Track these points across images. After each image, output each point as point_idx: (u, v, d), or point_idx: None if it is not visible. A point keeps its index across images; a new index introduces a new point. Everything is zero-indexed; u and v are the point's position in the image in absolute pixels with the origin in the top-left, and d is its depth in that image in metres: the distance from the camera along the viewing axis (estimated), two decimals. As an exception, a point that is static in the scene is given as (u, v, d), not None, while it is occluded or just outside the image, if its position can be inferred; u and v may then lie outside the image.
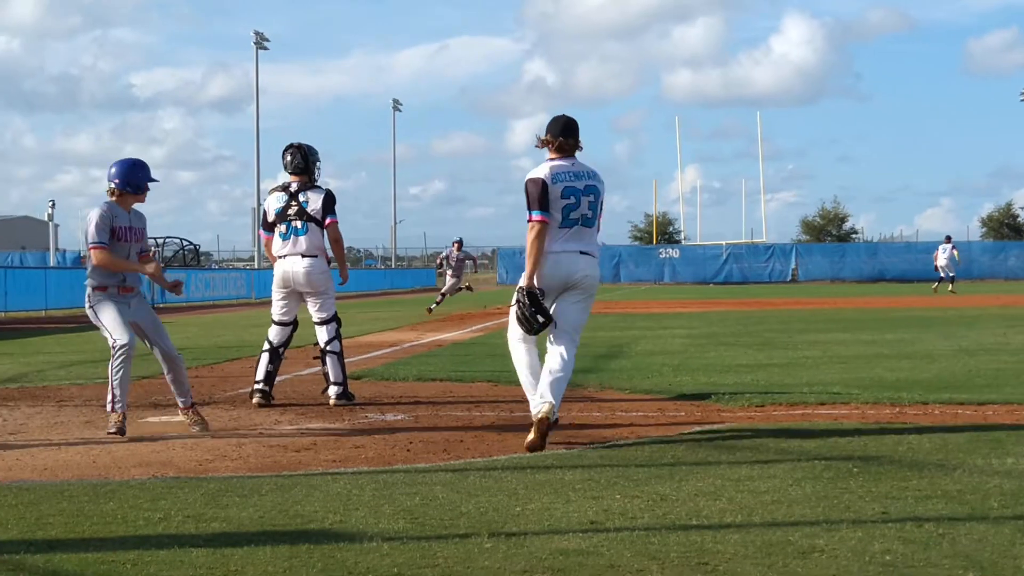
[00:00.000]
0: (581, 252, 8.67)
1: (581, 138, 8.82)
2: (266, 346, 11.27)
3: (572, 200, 8.60)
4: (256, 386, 11.05)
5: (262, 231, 11.50)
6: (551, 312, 8.67)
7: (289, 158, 11.25)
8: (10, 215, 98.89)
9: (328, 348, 11.20)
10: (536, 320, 8.55)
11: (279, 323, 11.31)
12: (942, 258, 47.96)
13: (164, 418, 10.16)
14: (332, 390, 11.08)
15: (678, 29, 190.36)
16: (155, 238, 57.27)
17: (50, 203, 49.50)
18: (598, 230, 8.89)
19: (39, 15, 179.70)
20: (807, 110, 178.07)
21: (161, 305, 40.79)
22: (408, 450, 8.33)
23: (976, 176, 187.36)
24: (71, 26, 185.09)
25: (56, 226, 52.35)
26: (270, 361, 11.15)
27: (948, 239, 49.11)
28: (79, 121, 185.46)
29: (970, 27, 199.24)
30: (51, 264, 49.26)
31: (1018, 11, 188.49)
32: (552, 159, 8.75)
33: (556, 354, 8.67)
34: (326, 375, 11.18)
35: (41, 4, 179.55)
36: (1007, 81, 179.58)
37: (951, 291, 46.41)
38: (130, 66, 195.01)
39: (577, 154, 8.83)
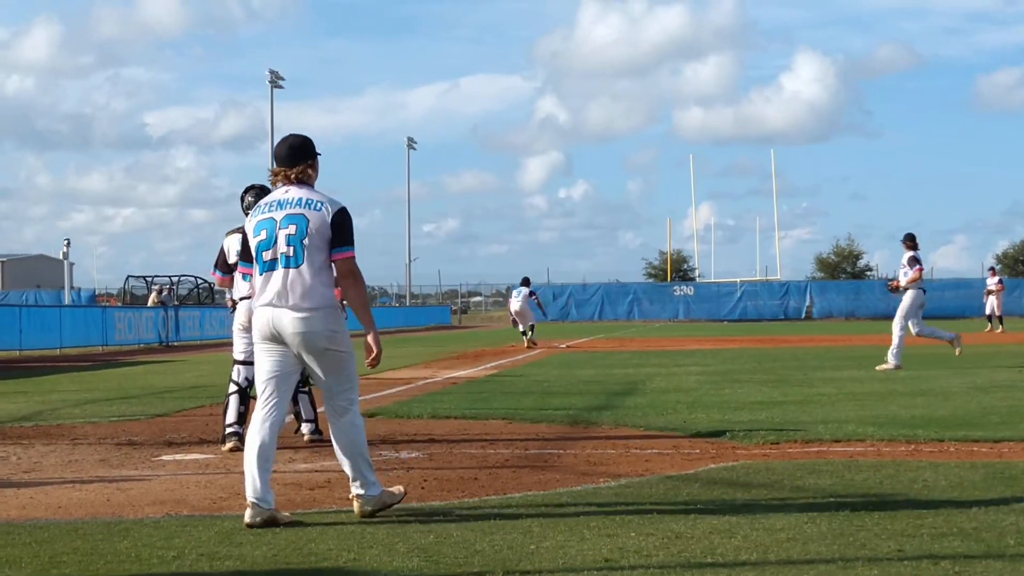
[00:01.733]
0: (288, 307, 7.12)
1: (311, 160, 7.42)
2: (232, 388, 10.90)
3: (264, 236, 7.24)
4: (229, 430, 10.68)
5: (217, 273, 11.23)
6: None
7: (252, 199, 10.89)
8: (25, 254, 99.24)
9: (302, 389, 11.14)
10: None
11: (244, 362, 10.85)
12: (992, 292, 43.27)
13: (178, 456, 10.16)
14: (305, 427, 11.22)
15: (689, 67, 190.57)
16: (169, 276, 57.39)
17: (65, 242, 49.71)
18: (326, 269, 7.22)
19: (52, 54, 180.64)
20: (819, 147, 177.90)
21: (175, 343, 40.84)
22: (422, 488, 8.32)
23: (989, 213, 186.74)
24: (84, 65, 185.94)
25: (71, 265, 52.56)
26: (241, 402, 10.77)
27: (993, 271, 45.65)
28: (92, 160, 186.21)
29: (979, 64, 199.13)
30: (66, 302, 49.39)
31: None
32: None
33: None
34: (297, 414, 11.22)
35: (54, 43, 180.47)
36: (1017, 118, 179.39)
37: (997, 330, 42.31)
38: (144, 105, 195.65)
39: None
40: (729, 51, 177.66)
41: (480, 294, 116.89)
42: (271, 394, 7.22)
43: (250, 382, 10.82)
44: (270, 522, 6.83)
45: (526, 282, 36.01)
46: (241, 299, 10.88)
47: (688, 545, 6.11)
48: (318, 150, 7.45)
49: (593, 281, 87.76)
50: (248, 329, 10.91)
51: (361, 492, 7.14)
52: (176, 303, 48.77)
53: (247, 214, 10.77)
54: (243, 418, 10.72)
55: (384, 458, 9.82)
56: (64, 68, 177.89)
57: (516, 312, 35.27)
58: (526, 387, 17.48)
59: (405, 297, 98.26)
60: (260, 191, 10.85)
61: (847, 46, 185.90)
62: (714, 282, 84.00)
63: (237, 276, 10.82)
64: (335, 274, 7.24)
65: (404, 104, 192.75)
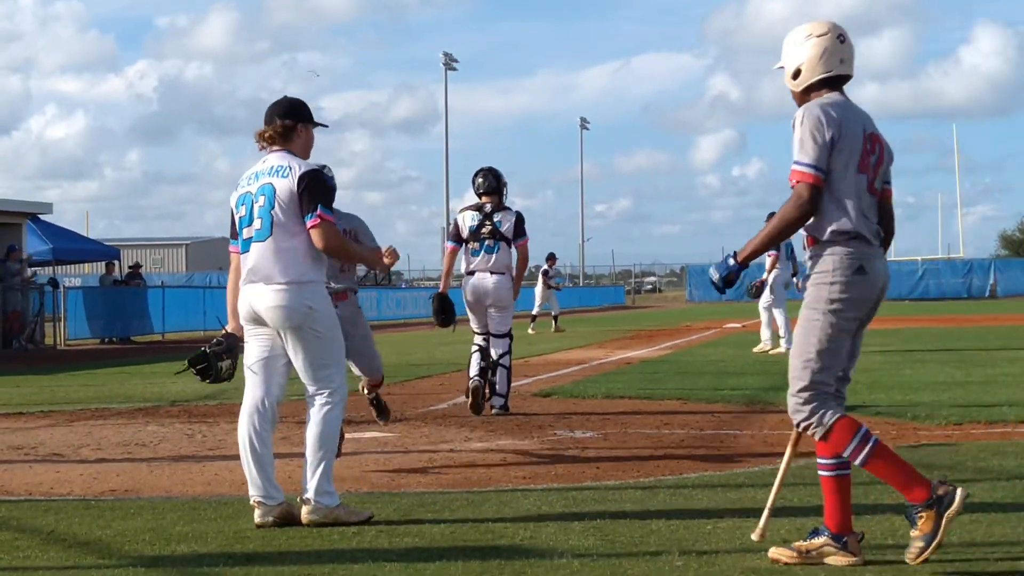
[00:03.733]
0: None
1: (290, 120, 6.71)
2: (474, 348, 11.83)
3: (243, 211, 6.65)
4: (471, 382, 11.61)
5: (449, 243, 12.03)
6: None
7: (481, 180, 11.75)
8: (208, 236, 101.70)
9: (499, 361, 11.69)
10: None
11: (481, 333, 11.89)
12: None
13: (357, 435, 10.32)
14: (496, 400, 11.62)
15: (864, 42, 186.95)
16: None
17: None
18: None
19: (229, 41, 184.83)
20: (1001, 122, 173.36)
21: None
22: (598, 467, 8.33)
23: None
24: (260, 51, 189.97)
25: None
26: (482, 359, 11.67)
27: None
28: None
29: None
30: (248, 284, 50.44)
31: None
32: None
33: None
34: (493, 385, 11.67)
35: (230, 31, 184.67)
36: None
37: None
38: (319, 90, 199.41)
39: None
40: (905, 24, 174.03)
41: (654, 274, 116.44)
42: (256, 381, 6.64)
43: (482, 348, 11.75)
44: (285, 519, 6.38)
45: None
46: (467, 273, 11.76)
47: (868, 526, 6.01)
48: (319, 120, 6.88)
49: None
50: (472, 305, 11.74)
51: (311, 496, 6.40)
52: (355, 288, 49.54)
53: (479, 196, 11.56)
54: (483, 372, 11.60)
55: (559, 437, 9.85)
56: (241, 55, 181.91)
57: None
58: (701, 367, 17.38)
59: (579, 277, 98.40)
60: (488, 173, 11.79)
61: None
62: (894, 260, 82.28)
63: (463, 250, 11.77)
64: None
65: (576, 85, 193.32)
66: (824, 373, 5.41)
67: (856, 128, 5.36)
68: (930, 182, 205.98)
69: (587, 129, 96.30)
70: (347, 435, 10.29)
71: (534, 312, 34.57)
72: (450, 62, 71.11)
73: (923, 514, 5.07)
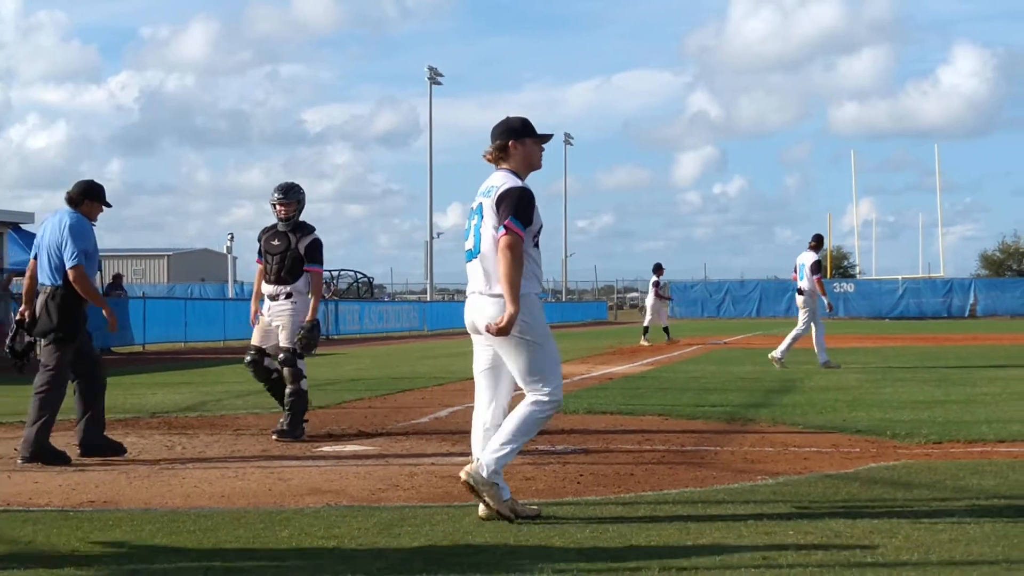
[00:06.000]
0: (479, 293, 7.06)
1: (501, 140, 7.19)
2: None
3: (467, 225, 7.22)
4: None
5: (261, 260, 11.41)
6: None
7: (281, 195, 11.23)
8: (190, 248, 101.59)
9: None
10: None
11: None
12: None
13: (338, 447, 10.32)
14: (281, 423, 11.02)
15: (844, 61, 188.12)
16: (330, 270, 58.27)
17: (229, 236, 51.03)
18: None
19: (210, 52, 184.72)
20: (980, 142, 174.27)
21: (336, 336, 41.46)
22: (579, 482, 8.33)
23: None
24: (241, 62, 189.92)
25: (235, 258, 53.72)
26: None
27: None
28: (249, 156, 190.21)
29: None
30: (230, 295, 50.48)
31: None
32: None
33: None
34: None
35: (212, 42, 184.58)
36: None
37: None
38: (302, 102, 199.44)
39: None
40: (884, 45, 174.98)
41: (636, 290, 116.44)
42: (482, 388, 7.34)
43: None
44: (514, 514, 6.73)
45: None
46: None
47: (848, 544, 6.04)
48: (537, 132, 7.24)
49: (751, 277, 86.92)
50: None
51: (483, 462, 6.84)
52: (336, 297, 49.53)
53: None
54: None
55: (540, 452, 9.85)
56: (222, 66, 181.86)
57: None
58: (682, 383, 17.40)
59: (561, 293, 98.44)
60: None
61: (1008, 38, 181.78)
62: (875, 279, 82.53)
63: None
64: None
65: (560, 101, 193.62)
66: None
67: None
68: (908, 201, 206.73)
69: (571, 145, 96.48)
70: (328, 448, 10.30)
71: (646, 323, 34.51)
72: (435, 76, 71.16)
73: None
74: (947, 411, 12.74)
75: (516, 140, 7.13)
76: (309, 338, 11.02)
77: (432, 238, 73.26)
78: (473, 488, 6.73)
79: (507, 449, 6.83)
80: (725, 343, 35.04)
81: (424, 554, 5.90)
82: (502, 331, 6.72)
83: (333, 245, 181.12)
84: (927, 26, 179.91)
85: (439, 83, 71.79)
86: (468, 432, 11.19)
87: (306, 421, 11.11)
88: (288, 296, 11.06)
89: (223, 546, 6.15)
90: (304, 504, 7.49)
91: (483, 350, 7.19)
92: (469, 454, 9.77)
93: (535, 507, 6.95)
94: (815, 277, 21.04)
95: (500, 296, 6.80)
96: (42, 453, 9.40)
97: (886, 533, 6.30)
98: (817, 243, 21.86)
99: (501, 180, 7.02)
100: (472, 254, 7.04)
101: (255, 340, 11.33)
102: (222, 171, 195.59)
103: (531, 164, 7.22)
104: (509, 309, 6.69)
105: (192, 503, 7.62)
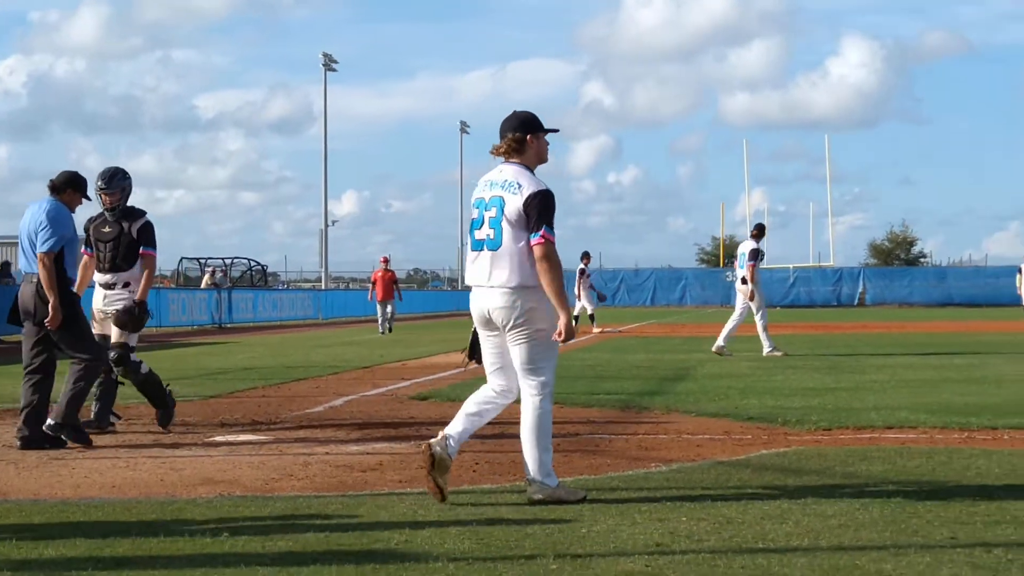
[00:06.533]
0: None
1: (520, 133, 7.32)
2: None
3: (475, 214, 7.30)
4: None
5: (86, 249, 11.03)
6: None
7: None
8: (80, 234, 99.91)
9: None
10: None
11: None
12: None
13: (231, 437, 10.24)
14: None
15: (735, 52, 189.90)
16: (223, 258, 57.72)
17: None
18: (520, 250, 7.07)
19: (101, 37, 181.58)
20: (868, 133, 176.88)
21: (228, 325, 41.10)
22: (474, 471, 8.34)
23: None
24: (132, 47, 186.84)
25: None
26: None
27: None
28: (141, 142, 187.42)
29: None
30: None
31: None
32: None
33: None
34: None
35: (102, 26, 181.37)
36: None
37: None
38: (194, 88, 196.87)
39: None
40: (775, 36, 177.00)
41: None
42: (495, 380, 7.47)
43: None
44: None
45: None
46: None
47: (739, 530, 6.11)
48: (538, 126, 7.35)
49: (645, 266, 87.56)
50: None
51: (536, 477, 7.06)
52: (229, 285, 49.08)
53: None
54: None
55: (435, 441, 9.83)
56: (113, 51, 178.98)
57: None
58: (578, 371, 17.47)
59: (457, 281, 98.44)
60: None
61: (896, 31, 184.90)
62: (766, 268, 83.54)
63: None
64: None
65: (456, 89, 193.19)
66: None
67: None
68: (798, 191, 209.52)
69: (467, 133, 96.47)
70: (221, 437, 10.21)
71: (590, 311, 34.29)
72: (329, 63, 70.72)
73: None
74: (836, 398, 12.94)
75: (532, 134, 7.28)
76: (133, 319, 10.60)
77: (327, 226, 72.89)
78: (544, 500, 6.94)
79: (545, 455, 7.10)
80: (620, 331, 35.28)
81: (319, 543, 5.88)
82: (566, 338, 7.03)
83: (226, 233, 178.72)
84: (817, 18, 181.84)
85: (334, 70, 71.41)
86: (362, 422, 11.19)
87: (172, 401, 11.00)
88: (126, 285, 10.69)
89: (114, 537, 6.07)
90: (197, 494, 7.41)
91: (490, 342, 7.34)
92: (364, 444, 9.77)
93: (584, 491, 7.19)
94: (749, 264, 21.20)
95: (515, 289, 7.02)
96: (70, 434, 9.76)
97: (777, 519, 6.38)
98: (759, 231, 22.05)
99: (520, 177, 7.13)
100: (492, 245, 7.10)
101: (100, 330, 10.74)
102: (112, 157, 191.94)
103: (542, 158, 7.39)
104: (563, 316, 6.99)
105: (83, 494, 7.51)
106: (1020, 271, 38.70)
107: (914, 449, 9.03)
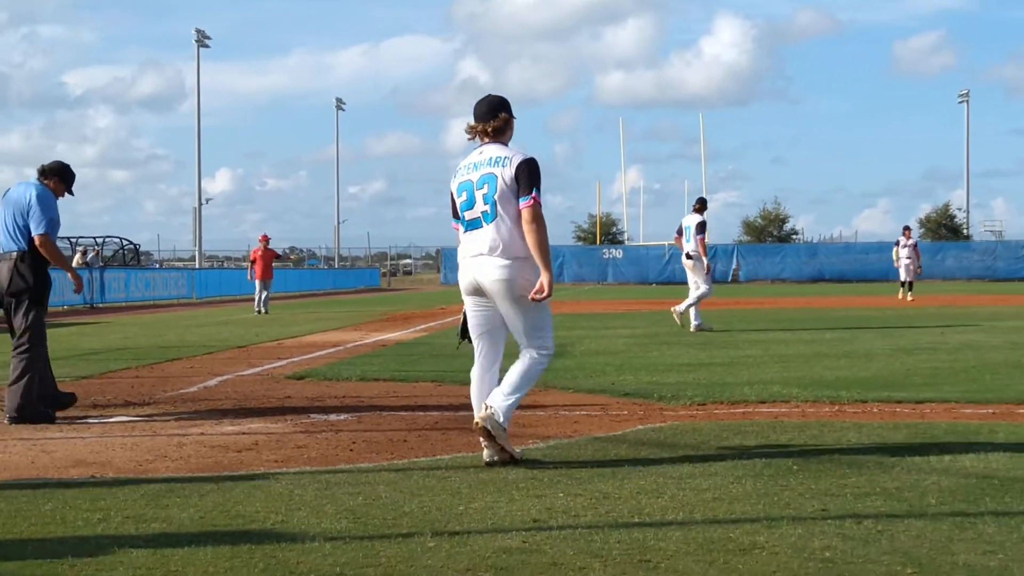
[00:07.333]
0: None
1: (506, 114, 7.76)
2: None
3: (464, 198, 7.63)
4: None
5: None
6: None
7: None
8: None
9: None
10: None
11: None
12: (903, 257, 38.80)
13: (103, 418, 10.08)
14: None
15: (609, 30, 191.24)
16: (94, 237, 56.76)
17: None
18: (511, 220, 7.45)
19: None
20: (739, 112, 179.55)
21: (101, 305, 40.44)
22: (351, 450, 8.30)
23: (909, 178, 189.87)
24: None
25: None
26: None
27: (907, 231, 39.45)
28: (7, 119, 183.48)
29: (898, 30, 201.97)
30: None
31: (944, 15, 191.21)
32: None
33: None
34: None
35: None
36: (932, 82, 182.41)
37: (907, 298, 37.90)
38: (62, 64, 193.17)
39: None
40: (648, 14, 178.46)
41: (410, 256, 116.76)
42: (484, 348, 7.97)
43: None
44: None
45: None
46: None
47: (615, 505, 6.15)
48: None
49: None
50: None
51: (495, 409, 7.43)
52: (101, 265, 48.28)
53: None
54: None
55: (313, 420, 9.79)
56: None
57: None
58: (455, 350, 17.47)
59: (334, 259, 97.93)
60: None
61: (767, 10, 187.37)
62: (642, 245, 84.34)
63: None
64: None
65: (330, 65, 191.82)
66: None
67: None
68: (673, 169, 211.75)
69: (343, 110, 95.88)
70: (94, 419, 10.04)
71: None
72: (202, 39, 69.80)
73: None
74: (711, 373, 13.09)
75: (510, 116, 7.77)
76: None
77: (201, 204, 72.05)
78: (490, 433, 7.34)
79: (514, 398, 7.52)
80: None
81: (194, 525, 5.81)
82: (546, 295, 7.36)
83: (96, 212, 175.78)
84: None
85: (207, 46, 70.50)
86: (237, 402, 11.09)
87: None
88: None
89: (-18, 522, 5.94)
90: (68, 476, 7.29)
91: (480, 312, 7.74)
92: (239, 424, 9.71)
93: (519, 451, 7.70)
94: (698, 237, 21.42)
95: (510, 260, 7.41)
96: (30, 414, 9.95)
97: (652, 494, 6.44)
98: (701, 205, 22.21)
99: (506, 152, 7.56)
100: (489, 218, 7.46)
101: None
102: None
103: (511, 137, 7.85)
104: (546, 274, 7.37)
105: (-51, 478, 7.34)
106: (897, 244, 39.35)
107: (786, 423, 9.17)
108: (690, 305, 21.52)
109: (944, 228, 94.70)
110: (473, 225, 7.57)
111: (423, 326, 24.99)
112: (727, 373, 13.11)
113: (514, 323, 7.61)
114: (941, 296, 42.18)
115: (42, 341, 10.31)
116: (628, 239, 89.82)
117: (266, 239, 34.74)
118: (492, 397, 7.52)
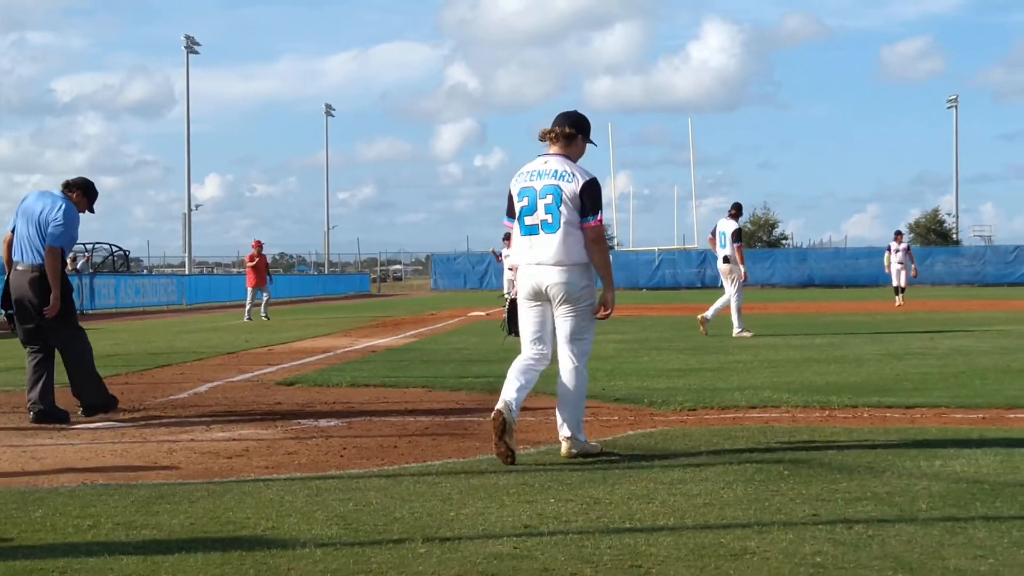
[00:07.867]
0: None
1: (577, 131, 8.16)
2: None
3: (525, 202, 8.00)
4: None
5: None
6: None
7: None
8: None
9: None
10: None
11: None
12: (895, 262, 37.73)
13: (93, 425, 10.06)
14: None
15: (597, 36, 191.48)
16: (84, 244, 56.66)
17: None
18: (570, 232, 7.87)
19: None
20: (728, 117, 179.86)
21: (90, 311, 40.38)
22: (341, 456, 8.30)
23: (898, 183, 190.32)
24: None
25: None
26: None
27: (898, 236, 38.42)
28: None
29: (885, 36, 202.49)
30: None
31: (931, 21, 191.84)
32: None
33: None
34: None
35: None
36: (920, 88, 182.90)
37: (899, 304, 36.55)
38: (51, 71, 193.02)
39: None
40: (636, 20, 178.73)
41: (400, 262, 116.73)
42: (536, 347, 8.33)
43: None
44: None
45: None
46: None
47: (606, 511, 6.15)
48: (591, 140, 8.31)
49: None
50: None
51: (574, 434, 8.01)
52: (91, 271, 48.20)
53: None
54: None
55: (303, 426, 9.78)
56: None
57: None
58: (446, 355, 17.48)
59: (324, 265, 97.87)
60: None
61: (756, 16, 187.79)
62: (632, 250, 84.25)
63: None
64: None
65: (320, 72, 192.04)
66: None
67: None
68: (661, 175, 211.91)
69: (332, 116, 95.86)
70: (84, 425, 10.02)
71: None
72: (192, 45, 69.77)
73: None
74: (701, 378, 13.10)
75: (584, 136, 8.20)
76: None
77: (190, 210, 72.01)
78: (579, 454, 7.91)
79: (580, 414, 8.09)
80: (487, 314, 35.34)
81: (184, 531, 5.80)
82: (609, 313, 8.02)
83: (86, 218, 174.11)
84: (679, 2, 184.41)
85: (196, 52, 70.48)
86: (228, 408, 11.08)
87: None
88: None
89: (-28, 529, 5.93)
90: (59, 483, 7.27)
91: (538, 317, 8.14)
92: (229, 431, 9.70)
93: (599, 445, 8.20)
94: (736, 245, 21.41)
95: (570, 266, 7.87)
96: (100, 404, 10.62)
97: (643, 499, 6.44)
98: (736, 211, 22.21)
99: (571, 167, 7.98)
100: (550, 228, 7.89)
101: None
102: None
103: (581, 157, 8.23)
104: (609, 292, 7.99)
105: (-62, 485, 7.32)
106: (888, 250, 39.21)
107: (777, 428, 9.18)
108: (718, 310, 21.49)
109: (933, 233, 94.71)
110: (531, 230, 7.98)
111: (413, 332, 24.98)
112: (717, 378, 13.12)
113: (563, 323, 8.02)
114: (931, 301, 42.23)
115: (85, 347, 10.89)
116: (618, 244, 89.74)
117: (259, 245, 34.55)
118: (563, 429, 8.02)
